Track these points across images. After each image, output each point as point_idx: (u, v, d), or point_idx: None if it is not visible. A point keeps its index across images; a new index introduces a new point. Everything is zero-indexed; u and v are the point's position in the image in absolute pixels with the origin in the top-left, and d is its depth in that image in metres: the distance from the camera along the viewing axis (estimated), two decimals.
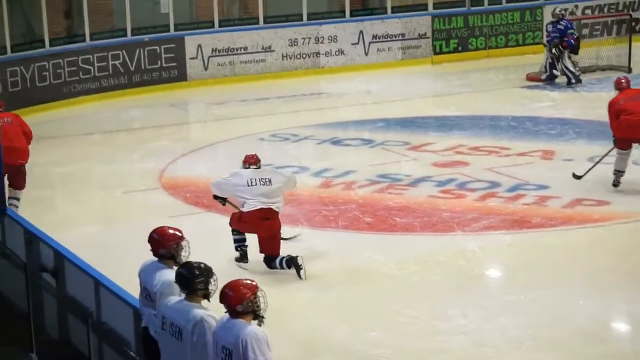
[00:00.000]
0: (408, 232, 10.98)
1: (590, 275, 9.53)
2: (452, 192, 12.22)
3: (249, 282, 5.93)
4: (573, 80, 18.40)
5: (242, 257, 10.09)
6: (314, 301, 9.18)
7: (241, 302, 5.82)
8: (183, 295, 6.23)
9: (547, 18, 21.15)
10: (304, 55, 20.54)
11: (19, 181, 11.81)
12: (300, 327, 8.61)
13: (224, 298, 5.88)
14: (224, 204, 10.47)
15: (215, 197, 10.43)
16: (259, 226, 9.86)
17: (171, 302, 6.29)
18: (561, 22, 18.60)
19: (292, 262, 9.70)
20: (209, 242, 10.26)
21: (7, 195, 11.01)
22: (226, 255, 10.02)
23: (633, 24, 21.50)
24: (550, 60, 18.48)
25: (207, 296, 6.16)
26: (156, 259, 6.78)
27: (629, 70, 19.28)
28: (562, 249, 10.38)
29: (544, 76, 18.60)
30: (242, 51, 19.99)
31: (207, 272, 6.19)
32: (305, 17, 20.67)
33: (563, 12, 19.01)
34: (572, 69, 18.52)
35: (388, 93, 17.15)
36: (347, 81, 19.72)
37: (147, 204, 12.28)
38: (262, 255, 9.83)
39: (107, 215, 12.11)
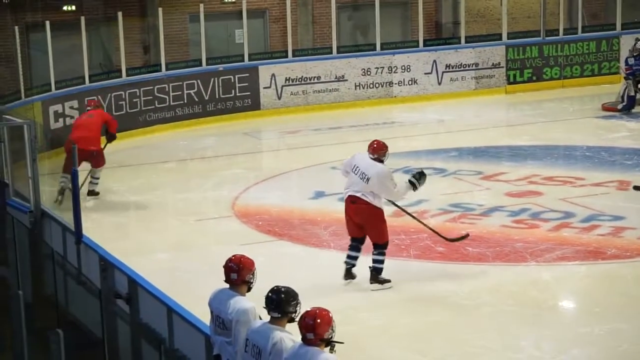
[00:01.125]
0: (480, 262, 10.90)
1: None
2: (525, 222, 12.12)
3: (325, 310, 6.06)
4: (621, 105, 18.19)
5: (346, 274, 10.18)
6: (385, 330, 9.14)
7: (327, 330, 5.99)
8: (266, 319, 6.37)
9: (624, 47, 21.00)
10: (377, 85, 20.60)
11: (97, 161, 14.04)
12: (371, 356, 8.58)
13: (308, 326, 5.97)
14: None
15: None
16: (347, 210, 10.09)
17: (255, 325, 6.46)
18: None
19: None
20: (280, 270, 10.32)
21: (87, 181, 13.83)
22: (297, 283, 10.01)
23: None
24: (631, 93, 18.28)
25: (293, 320, 6.32)
26: (227, 286, 6.83)
27: None
28: (638, 280, 10.22)
29: (620, 106, 18.40)
30: (315, 80, 20.12)
31: (297, 296, 6.40)
32: (378, 46, 20.74)
33: None
34: (632, 93, 18.32)
35: (461, 122, 17.11)
36: (419, 111, 19.72)
37: (219, 232, 12.37)
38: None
39: (180, 242, 12.21)
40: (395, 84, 20.69)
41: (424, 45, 21.13)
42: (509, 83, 21.15)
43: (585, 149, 15.90)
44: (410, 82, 20.79)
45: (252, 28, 20.84)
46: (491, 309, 9.58)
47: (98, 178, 14.17)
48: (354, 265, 10.27)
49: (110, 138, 14.47)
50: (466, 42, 21.25)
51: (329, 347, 6.04)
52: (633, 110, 18.29)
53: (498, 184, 13.92)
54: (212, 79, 19.38)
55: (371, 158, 10.07)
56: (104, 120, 14.31)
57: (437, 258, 11.06)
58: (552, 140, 16.53)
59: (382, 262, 10.14)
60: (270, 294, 6.36)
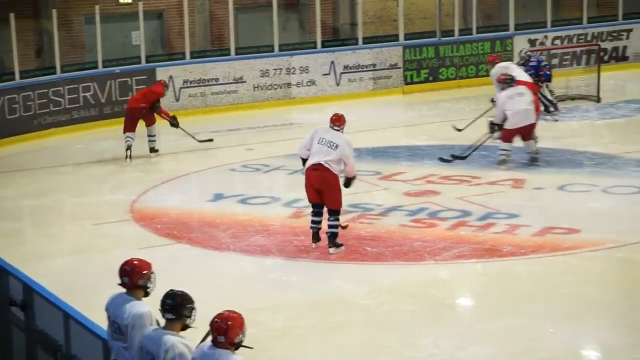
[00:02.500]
0: (379, 262, 10.98)
1: (560, 303, 9.55)
2: (423, 222, 12.24)
3: (238, 313, 6.06)
4: (551, 109, 18.50)
5: (314, 237, 11.25)
6: (286, 331, 9.15)
7: (239, 333, 5.97)
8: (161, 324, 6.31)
9: (517, 48, 21.39)
10: (276, 86, 20.61)
11: (149, 119, 16.39)
12: (273, 358, 8.57)
13: (219, 329, 5.93)
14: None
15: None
16: (310, 178, 11.13)
17: (149, 330, 6.37)
18: (532, 59, 18.68)
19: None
20: (179, 273, 10.28)
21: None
22: (197, 286, 9.97)
23: (601, 54, 21.71)
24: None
25: (187, 326, 6.26)
26: (123, 290, 6.74)
27: (598, 100, 19.47)
28: (533, 277, 10.42)
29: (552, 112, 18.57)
30: (214, 82, 20.03)
31: (193, 302, 6.32)
32: (276, 48, 20.75)
33: (529, 52, 18.98)
34: (550, 97, 18.64)
35: (359, 123, 17.14)
36: (318, 112, 19.73)
37: (117, 236, 12.23)
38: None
39: (77, 247, 12.04)
40: (294, 85, 20.73)
41: (322, 46, 21.22)
42: (407, 83, 21.36)
43: (481, 148, 16.10)
44: (308, 84, 20.85)
45: (149, 30, 20.67)
46: (390, 308, 9.66)
47: (154, 135, 16.51)
48: (320, 229, 11.23)
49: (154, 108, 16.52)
50: (364, 43, 21.39)
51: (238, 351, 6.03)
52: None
53: (396, 183, 14.05)
54: (109, 82, 19.15)
55: (334, 129, 11.30)
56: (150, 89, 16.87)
57: (336, 258, 11.10)
58: (449, 140, 16.70)
59: (337, 227, 11.12)
60: (165, 297, 6.30)
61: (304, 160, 11.39)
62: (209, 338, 6.10)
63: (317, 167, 11.11)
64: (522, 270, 10.60)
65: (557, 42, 22.40)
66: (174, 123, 16.80)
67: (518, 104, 14.57)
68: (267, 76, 20.55)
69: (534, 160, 14.76)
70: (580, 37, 23.00)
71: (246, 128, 18.36)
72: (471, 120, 15.45)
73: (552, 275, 10.38)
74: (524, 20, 22.19)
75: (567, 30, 22.93)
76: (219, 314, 6.05)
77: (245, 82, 20.32)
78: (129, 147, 16.19)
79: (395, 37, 21.71)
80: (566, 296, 9.73)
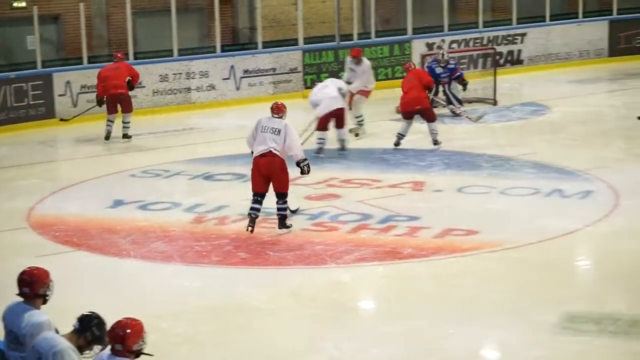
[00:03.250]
0: (281, 266, 10.99)
1: (460, 304, 9.68)
2: (325, 225, 12.29)
3: (137, 320, 6.02)
4: (457, 110, 18.75)
5: (251, 222, 11.85)
6: (188, 337, 9.10)
7: (138, 341, 5.92)
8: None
9: (415, 52, 21.67)
10: (175, 91, 20.48)
11: (126, 106, 17.60)
12: None
13: (117, 337, 5.86)
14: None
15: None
16: (258, 166, 11.90)
17: (44, 335, 6.30)
18: (450, 63, 19.00)
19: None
20: (79, 280, 10.15)
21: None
22: (97, 293, 9.88)
23: (497, 57, 22.08)
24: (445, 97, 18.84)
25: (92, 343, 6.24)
26: (21, 300, 6.64)
27: (495, 103, 19.80)
28: (433, 278, 10.54)
29: (458, 109, 18.78)
30: (91, 89, 19.75)
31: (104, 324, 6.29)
32: (175, 52, 20.62)
33: (448, 54, 19.36)
34: (459, 97, 18.90)
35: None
36: (218, 116, 19.73)
37: (14, 244, 12.00)
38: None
39: None
40: (194, 89, 20.63)
41: (222, 51, 21.16)
42: (307, 87, 21.37)
43: (381, 151, 16.27)
44: (208, 88, 20.77)
45: (45, 34, 20.35)
46: (292, 312, 9.67)
47: (129, 122, 17.57)
48: (258, 216, 11.93)
49: (130, 88, 17.70)
50: (263, 47, 21.40)
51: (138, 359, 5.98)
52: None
53: (297, 187, 14.01)
54: (3, 87, 18.78)
55: (276, 117, 12.11)
56: (129, 72, 17.78)
57: (238, 263, 11.08)
58: (349, 144, 16.82)
59: (286, 209, 12.01)
60: (85, 315, 6.31)
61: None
62: (108, 346, 6.04)
63: (265, 154, 11.86)
64: (423, 272, 10.71)
65: (454, 45, 22.73)
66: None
67: (325, 94, 15.90)
68: (167, 81, 20.42)
69: (341, 149, 16.01)
70: (477, 41, 23.36)
71: (146, 133, 18.20)
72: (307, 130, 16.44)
73: (452, 276, 10.51)
74: (422, 25, 22.47)
75: (464, 34, 23.28)
76: (117, 322, 5.99)
77: (144, 87, 20.12)
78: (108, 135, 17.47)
79: (294, 42, 21.76)
80: (466, 297, 9.86)
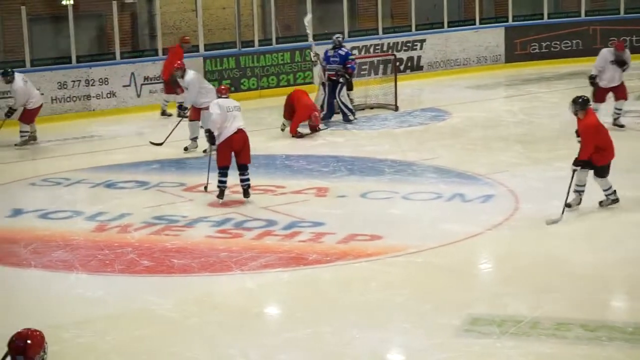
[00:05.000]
0: (186, 274, 10.92)
1: (365, 308, 9.73)
2: (229, 232, 12.25)
3: (37, 331, 5.90)
4: (351, 117, 18.86)
5: (222, 194, 13.35)
6: (92, 347, 8.97)
7: (39, 351, 5.82)
8: None
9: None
10: (75, 98, 20.20)
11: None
12: None
13: (18, 348, 5.76)
14: (213, 143, 13.55)
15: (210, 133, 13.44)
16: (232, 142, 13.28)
17: None
18: (342, 48, 19.10)
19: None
20: None
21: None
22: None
23: (397, 63, 22.30)
24: (329, 98, 18.88)
25: None
26: None
27: (396, 109, 19.98)
28: (338, 284, 10.57)
29: (321, 115, 18.91)
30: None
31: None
32: (74, 59, 20.34)
33: (340, 38, 19.53)
34: (349, 105, 19.00)
35: (161, 135, 17.05)
36: (119, 123, 19.53)
37: None
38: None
39: None
40: (94, 97, 20.38)
41: (122, 57, 20.95)
42: None
43: (284, 157, 16.30)
44: (109, 95, 20.54)
45: None
46: (198, 319, 9.61)
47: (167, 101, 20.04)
48: (226, 187, 13.48)
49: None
50: (163, 54, 21.21)
51: None
52: (332, 118, 18.93)
53: (201, 195, 14.00)
54: None
55: (227, 97, 13.59)
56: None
57: (142, 271, 10.97)
58: (252, 150, 16.77)
59: (249, 179, 13.52)
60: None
61: (212, 134, 13.38)
62: (8, 358, 5.93)
63: (239, 131, 13.27)
64: (328, 278, 10.75)
65: (355, 52, 22.85)
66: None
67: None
68: (65, 88, 20.13)
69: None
70: (377, 47, 23.56)
71: (45, 141, 17.92)
72: (168, 134, 16.97)
73: (356, 281, 10.57)
74: (322, 31, 22.54)
75: (364, 41, 23.46)
76: (18, 333, 5.89)
77: (42, 94, 19.77)
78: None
79: (195, 48, 21.65)
80: (371, 302, 9.93)
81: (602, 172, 12.45)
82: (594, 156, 12.31)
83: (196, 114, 16.41)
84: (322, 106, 19.08)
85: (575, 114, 12.53)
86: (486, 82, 23.24)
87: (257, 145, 16.88)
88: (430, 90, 22.61)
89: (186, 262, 11.19)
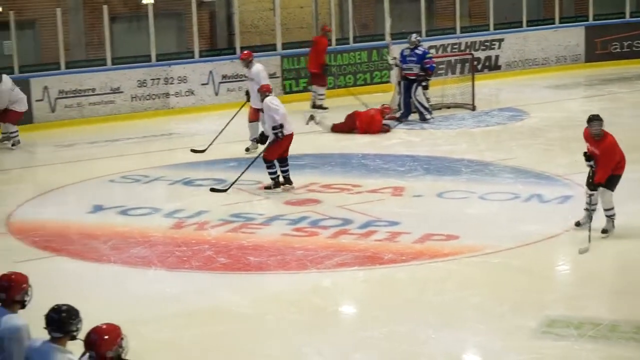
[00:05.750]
0: (262, 271, 10.99)
1: (441, 309, 9.70)
2: (305, 230, 12.29)
3: (114, 326, 5.98)
4: (427, 116, 18.81)
5: (277, 185, 13.96)
6: (170, 343, 9.07)
7: (112, 347, 5.89)
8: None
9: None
10: (154, 96, 20.44)
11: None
12: None
13: (93, 343, 5.85)
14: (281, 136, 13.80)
15: (276, 127, 13.78)
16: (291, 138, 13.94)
17: (36, 344, 6.28)
18: (419, 48, 19.07)
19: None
20: (59, 286, 10.11)
21: None
22: (78, 299, 9.80)
23: (475, 63, 22.16)
24: (405, 98, 18.87)
25: (75, 337, 6.21)
26: None
27: (473, 108, 19.86)
28: (414, 283, 10.55)
29: (398, 114, 18.90)
30: (90, 92, 19.75)
31: (79, 313, 6.26)
32: (154, 57, 20.58)
33: (418, 38, 19.49)
34: (425, 104, 18.96)
35: (239, 133, 17.16)
36: (197, 121, 19.70)
37: None
38: None
39: None
40: (172, 95, 20.60)
41: (200, 56, 21.14)
42: (285, 93, 21.41)
43: (360, 156, 16.30)
44: (187, 93, 20.75)
45: (22, 39, 20.26)
46: (273, 317, 9.66)
47: (322, 94, 20.47)
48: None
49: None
50: (241, 52, 21.32)
51: None
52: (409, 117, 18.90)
53: (277, 192, 14.07)
54: None
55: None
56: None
57: (219, 268, 11.07)
58: (329, 149, 16.86)
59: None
60: (51, 314, 6.21)
61: (280, 126, 13.76)
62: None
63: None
64: (403, 277, 10.73)
65: (432, 51, 22.74)
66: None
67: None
68: (145, 86, 20.37)
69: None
70: (454, 46, 23.44)
71: (125, 139, 18.17)
72: (212, 140, 16.56)
73: (432, 281, 10.54)
74: (400, 30, 22.49)
75: (442, 40, 23.36)
76: (94, 328, 5.99)
77: (122, 92, 20.09)
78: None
79: (273, 47, 21.76)
80: (446, 302, 9.89)
81: (615, 182, 11.64)
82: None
83: (256, 114, 16.32)
84: (398, 105, 19.11)
85: (599, 134, 11.69)
86: (565, 82, 22.98)
87: (332, 145, 17.01)
88: (508, 90, 22.44)
89: (262, 260, 11.25)
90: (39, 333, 6.40)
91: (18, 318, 6.53)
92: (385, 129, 17.98)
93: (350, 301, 10.41)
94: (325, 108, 20.09)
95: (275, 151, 13.91)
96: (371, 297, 10.27)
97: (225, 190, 14.04)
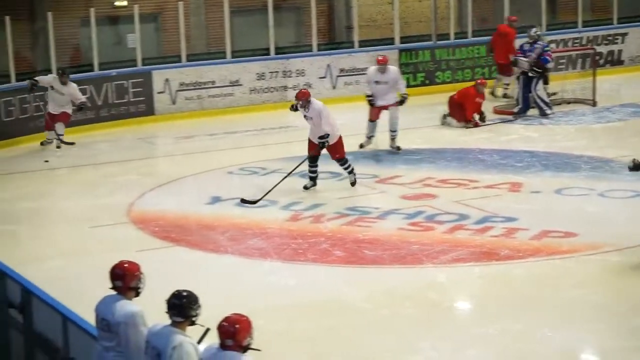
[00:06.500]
0: (377, 265, 10.99)
1: (558, 306, 9.57)
2: (421, 225, 12.25)
3: (245, 317, 6.11)
4: (547, 111, 18.54)
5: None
6: (284, 334, 9.15)
7: (246, 337, 6.04)
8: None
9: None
10: (272, 89, 20.60)
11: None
12: None
13: (227, 332, 5.96)
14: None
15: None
16: None
17: (157, 327, 6.44)
18: (538, 42, 18.83)
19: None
20: (177, 276, 10.27)
21: None
22: (195, 289, 9.95)
23: (597, 57, 21.73)
24: (523, 93, 18.65)
25: (194, 323, 6.35)
26: (114, 293, 6.80)
27: (594, 104, 19.49)
28: (530, 280, 10.42)
29: (516, 109, 18.68)
30: (210, 85, 20.02)
31: (198, 299, 6.41)
32: (272, 51, 20.74)
33: (538, 32, 19.27)
34: (546, 99, 18.69)
35: (355, 126, 17.17)
36: None
37: (114, 239, 12.21)
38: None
39: (75, 250, 12.02)
40: (290, 88, 20.72)
41: (318, 49, 21.23)
42: None
43: (477, 151, 16.16)
44: (305, 86, 20.83)
45: (145, 32, 20.64)
46: (388, 311, 9.66)
47: (507, 83, 20.39)
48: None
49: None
50: (360, 46, 21.39)
51: (246, 353, 6.09)
52: (528, 112, 18.66)
53: (393, 187, 14.06)
54: (105, 84, 19.13)
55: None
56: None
57: (334, 261, 11.11)
58: (446, 143, 16.75)
59: None
60: (172, 299, 6.34)
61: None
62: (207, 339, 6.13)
63: None
64: (520, 274, 10.61)
65: (553, 45, 22.37)
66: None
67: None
68: (264, 79, 20.55)
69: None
70: (576, 40, 23.02)
71: (243, 131, 18.37)
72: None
73: (549, 278, 10.39)
74: (519, 24, 22.20)
75: (563, 34, 22.95)
76: (226, 318, 6.10)
77: (241, 85, 20.31)
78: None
79: (391, 40, 21.71)
80: (564, 300, 9.75)
81: None
82: None
83: (377, 114, 16.34)
84: (517, 99, 18.89)
85: None
86: None
87: (450, 139, 16.90)
88: (631, 86, 21.92)
89: (378, 254, 11.26)
90: (162, 320, 6.51)
91: (132, 304, 6.71)
92: (475, 124, 17.71)
93: (465, 297, 10.34)
94: (509, 97, 19.99)
95: (342, 149, 14.21)
96: (487, 294, 10.19)
97: (255, 202, 13.25)
